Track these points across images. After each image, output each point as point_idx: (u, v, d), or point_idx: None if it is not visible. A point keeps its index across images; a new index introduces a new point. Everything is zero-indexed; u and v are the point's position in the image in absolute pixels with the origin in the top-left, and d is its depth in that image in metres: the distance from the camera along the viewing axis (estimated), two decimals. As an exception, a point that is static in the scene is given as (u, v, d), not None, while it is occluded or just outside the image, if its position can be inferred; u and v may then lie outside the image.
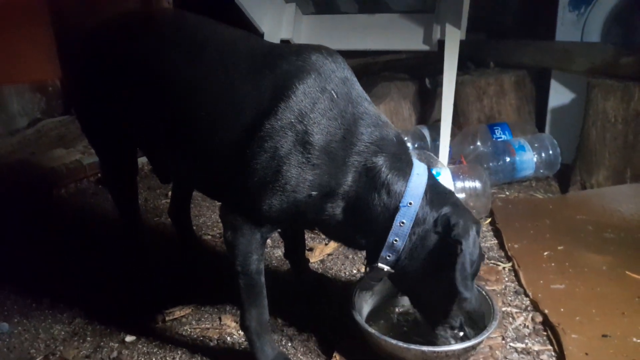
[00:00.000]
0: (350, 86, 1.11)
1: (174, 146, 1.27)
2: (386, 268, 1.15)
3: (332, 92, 1.07)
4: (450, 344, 1.18)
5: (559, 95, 2.47)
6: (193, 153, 1.22)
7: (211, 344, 1.38)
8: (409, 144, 2.53)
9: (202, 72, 1.18)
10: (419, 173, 1.14)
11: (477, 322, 1.22)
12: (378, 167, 1.10)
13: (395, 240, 1.12)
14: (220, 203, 1.25)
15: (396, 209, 1.10)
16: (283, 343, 1.36)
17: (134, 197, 1.58)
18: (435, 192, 1.15)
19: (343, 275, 1.68)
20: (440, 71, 2.28)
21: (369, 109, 1.12)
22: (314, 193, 1.08)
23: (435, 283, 1.15)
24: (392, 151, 1.12)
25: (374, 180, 1.10)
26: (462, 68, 2.64)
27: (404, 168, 1.13)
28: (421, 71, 2.95)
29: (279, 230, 1.37)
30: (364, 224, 1.14)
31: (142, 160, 2.62)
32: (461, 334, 1.20)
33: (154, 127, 1.29)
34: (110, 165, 1.56)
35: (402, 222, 1.11)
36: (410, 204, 1.10)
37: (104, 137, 1.47)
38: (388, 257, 1.14)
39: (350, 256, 1.79)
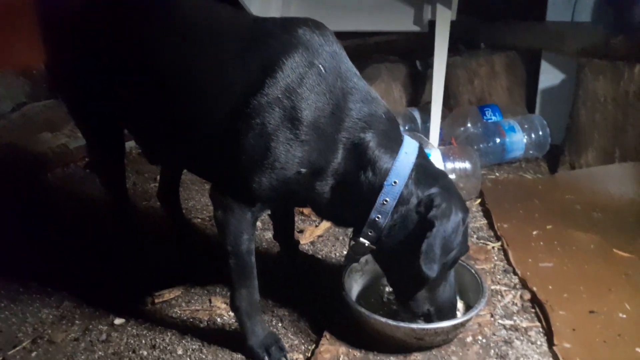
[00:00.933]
0: (339, 60, 1.09)
1: (162, 125, 1.25)
2: (367, 243, 1.15)
3: (320, 66, 1.05)
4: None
5: (549, 76, 2.47)
6: (182, 132, 1.21)
7: (201, 325, 1.37)
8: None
9: (190, 50, 1.16)
10: (407, 152, 1.12)
11: (447, 314, 1.19)
12: (365, 144, 1.08)
13: (378, 218, 1.11)
14: (210, 184, 1.24)
15: (381, 187, 1.09)
16: (273, 323, 1.36)
17: (122, 180, 1.56)
18: (423, 172, 1.13)
19: (333, 256, 1.68)
20: (431, 53, 2.26)
21: (359, 84, 1.11)
22: (303, 170, 1.07)
23: (408, 263, 1.13)
24: (380, 128, 1.10)
25: (360, 157, 1.09)
26: (453, 50, 2.62)
27: (391, 145, 1.11)
28: (412, 53, 2.93)
29: (270, 210, 1.35)
30: (350, 201, 1.13)
31: (130, 144, 2.58)
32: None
33: (142, 106, 1.27)
34: (98, 147, 1.53)
35: (386, 201, 1.10)
36: (395, 182, 1.09)
37: (91, 118, 1.44)
38: (370, 234, 1.13)
39: (341, 237, 1.79)
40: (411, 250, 1.11)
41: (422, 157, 1.16)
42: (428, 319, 1.19)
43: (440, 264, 1.09)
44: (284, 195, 1.12)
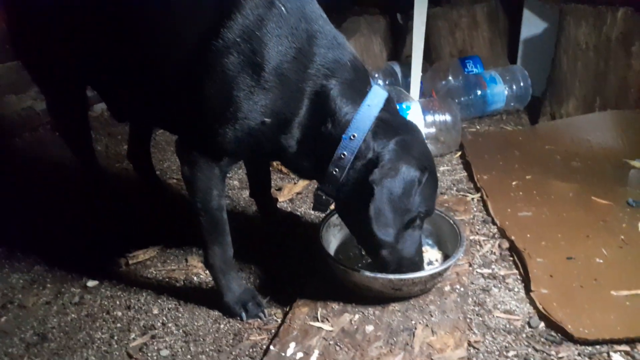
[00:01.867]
0: (303, 0, 1.02)
1: (125, 77, 1.18)
2: (324, 196, 1.11)
3: (282, 6, 0.98)
4: None
5: (531, 26, 2.42)
6: (144, 83, 1.14)
7: (177, 284, 1.35)
8: (379, 82, 2.46)
9: None
10: (370, 104, 1.06)
11: (410, 270, 1.14)
12: (326, 93, 1.02)
13: (335, 172, 1.06)
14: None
15: (339, 140, 1.04)
16: (251, 280, 1.34)
17: (87, 138, 1.49)
18: (384, 127, 1.07)
19: (312, 213, 1.66)
20: (412, 5, 2.18)
21: (325, 28, 1.04)
22: (267, 120, 1.01)
23: (363, 220, 1.07)
24: (344, 77, 1.04)
25: (322, 108, 1.03)
26: (433, 0, 2.53)
27: (354, 97, 1.05)
28: (393, 5, 2.83)
29: (236, 164, 1.29)
30: (314, 155, 1.09)
31: (102, 106, 2.50)
32: None
33: (103, 58, 1.19)
34: (59, 105, 1.44)
35: (343, 155, 1.05)
36: (353, 136, 1.04)
37: (51, 73, 1.35)
38: (329, 187, 1.10)
39: (320, 194, 1.75)
40: (363, 208, 1.06)
41: (387, 110, 1.09)
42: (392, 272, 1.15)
43: (396, 226, 1.05)
44: (250, 148, 1.07)
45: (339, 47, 1.05)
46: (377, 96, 1.08)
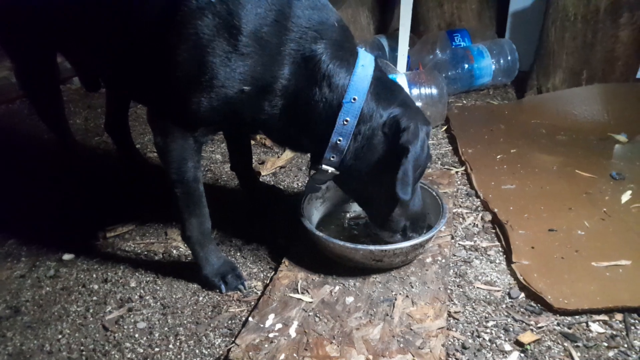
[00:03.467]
0: None
1: (93, 41, 1.12)
2: (330, 170, 1.08)
3: None
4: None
5: (520, -2, 2.37)
6: (114, 49, 1.09)
7: (156, 257, 1.32)
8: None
9: None
10: (364, 64, 1.03)
11: (419, 223, 1.19)
12: (318, 57, 0.99)
13: (339, 140, 1.04)
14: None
15: (339, 106, 1.01)
16: (231, 253, 1.32)
17: (59, 108, 1.44)
18: (382, 87, 1.06)
19: (295, 187, 1.63)
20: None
21: None
22: (246, 88, 0.97)
23: (379, 185, 1.09)
24: (333, 38, 1.00)
25: (313, 72, 1.00)
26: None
27: (347, 58, 1.02)
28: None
29: (213, 135, 1.26)
30: (306, 124, 1.05)
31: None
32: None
33: (69, 20, 1.14)
34: (28, 71, 1.39)
35: (346, 120, 1.02)
36: (354, 99, 1.01)
37: (17, 37, 1.29)
38: (332, 159, 1.07)
39: (304, 168, 1.73)
40: (380, 172, 1.06)
41: (379, 70, 1.08)
42: (405, 234, 1.16)
43: (414, 184, 1.05)
44: (228, 118, 1.03)
45: (324, 8, 1.01)
46: (366, 56, 1.06)
